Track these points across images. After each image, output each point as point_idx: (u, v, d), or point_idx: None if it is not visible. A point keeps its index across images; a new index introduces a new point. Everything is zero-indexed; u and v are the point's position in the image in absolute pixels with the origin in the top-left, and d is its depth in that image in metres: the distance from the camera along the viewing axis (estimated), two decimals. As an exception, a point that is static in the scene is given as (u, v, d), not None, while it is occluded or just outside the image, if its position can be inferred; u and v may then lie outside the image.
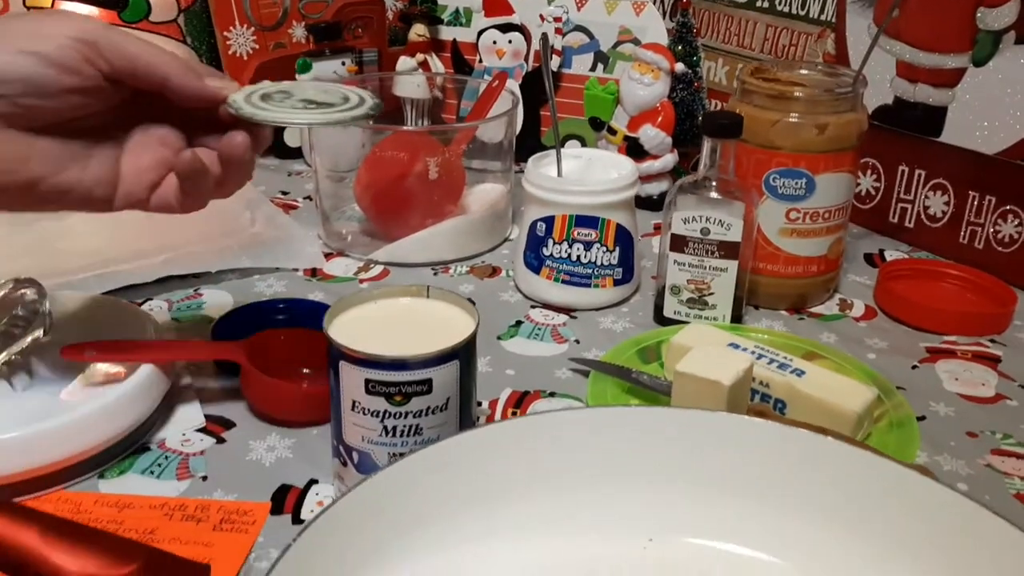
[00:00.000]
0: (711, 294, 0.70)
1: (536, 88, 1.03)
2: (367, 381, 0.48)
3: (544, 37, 1.00)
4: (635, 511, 0.48)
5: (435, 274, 0.82)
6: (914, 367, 0.68)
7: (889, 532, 0.44)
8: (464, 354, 0.49)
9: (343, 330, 0.50)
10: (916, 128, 0.85)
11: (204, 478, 0.55)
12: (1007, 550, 0.40)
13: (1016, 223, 0.78)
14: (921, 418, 0.61)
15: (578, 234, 0.73)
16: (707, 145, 0.67)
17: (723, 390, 0.53)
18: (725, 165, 0.68)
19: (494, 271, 0.82)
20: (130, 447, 0.56)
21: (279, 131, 1.05)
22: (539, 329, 0.72)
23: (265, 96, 0.52)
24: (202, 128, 0.53)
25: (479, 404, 0.63)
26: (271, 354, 0.60)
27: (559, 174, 0.75)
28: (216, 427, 0.59)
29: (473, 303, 0.52)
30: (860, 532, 0.45)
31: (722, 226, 0.67)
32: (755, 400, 0.60)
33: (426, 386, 0.48)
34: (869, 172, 0.89)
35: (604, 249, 0.73)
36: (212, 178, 0.52)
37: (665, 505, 0.48)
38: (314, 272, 0.81)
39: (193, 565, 0.37)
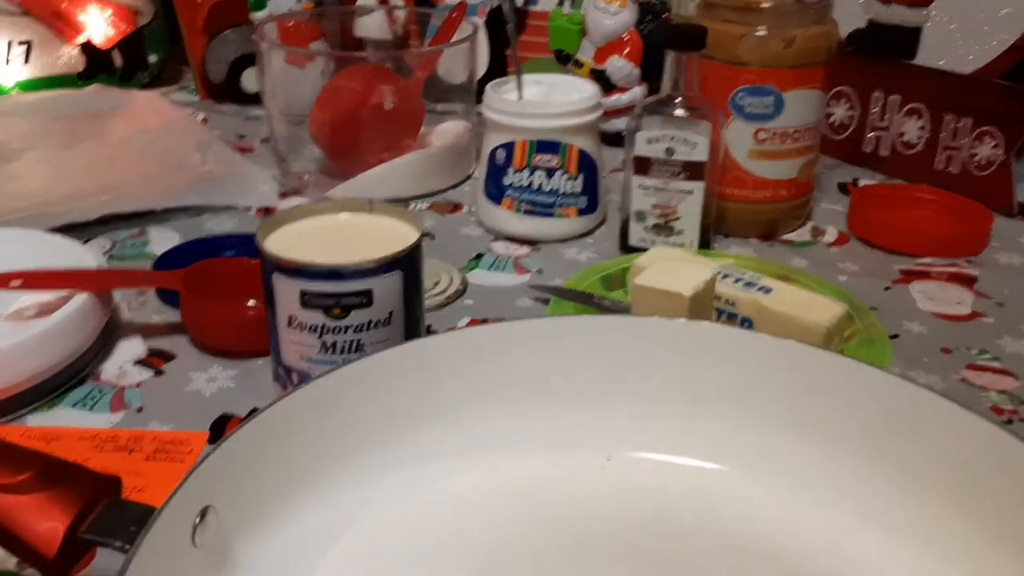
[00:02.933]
0: (677, 219, 0.67)
1: (501, 26, 0.99)
2: (302, 293, 0.45)
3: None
4: (592, 427, 0.46)
5: (394, 211, 0.78)
6: (887, 288, 0.65)
7: (860, 437, 0.42)
8: (407, 264, 0.46)
9: (279, 243, 0.47)
10: (891, 52, 0.82)
11: (139, 410, 0.52)
12: (971, 439, 0.38)
13: (993, 144, 0.75)
14: (894, 336, 0.59)
15: (539, 161, 0.70)
16: (670, 60, 0.64)
17: (683, 302, 0.50)
18: (690, 82, 0.65)
19: (456, 207, 0.79)
20: (63, 384, 0.53)
21: (237, 74, 1.02)
22: (500, 261, 0.70)
23: None
24: None
25: (435, 332, 0.60)
26: (213, 284, 0.57)
27: (519, 99, 0.72)
28: (155, 359, 0.56)
29: (420, 218, 0.49)
30: (828, 438, 0.42)
31: (687, 145, 0.65)
32: (721, 318, 0.57)
33: (366, 298, 0.45)
34: (843, 100, 0.86)
35: (567, 176, 0.70)
36: None
37: (624, 420, 0.46)
38: (267, 211, 0.77)
39: (98, 476, 0.34)
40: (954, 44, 0.78)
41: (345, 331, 0.46)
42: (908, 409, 0.40)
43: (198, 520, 0.34)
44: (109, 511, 0.34)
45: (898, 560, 0.39)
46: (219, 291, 0.57)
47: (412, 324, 0.48)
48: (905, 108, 0.81)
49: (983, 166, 0.76)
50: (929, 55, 0.80)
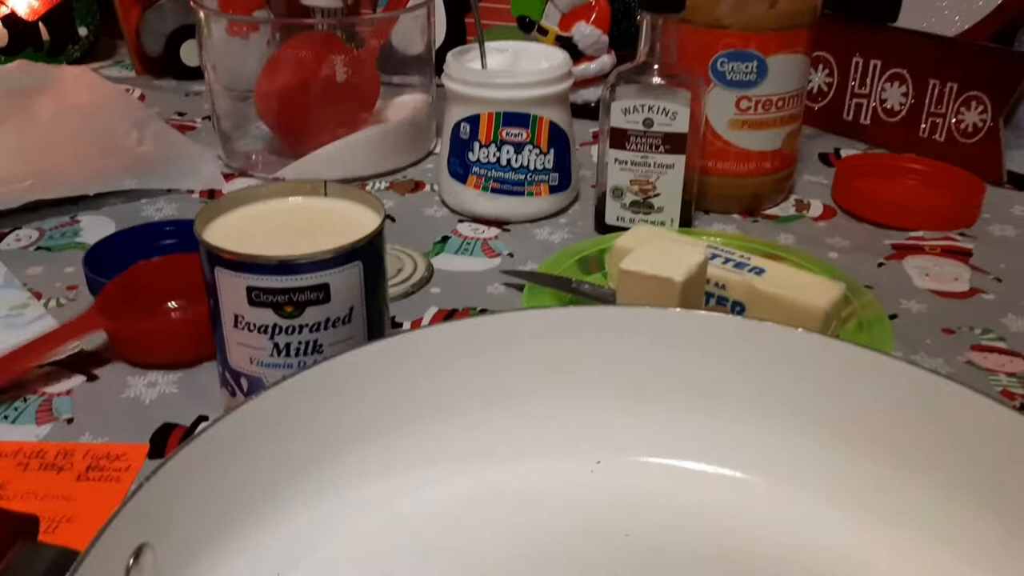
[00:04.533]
0: (657, 195, 0.63)
1: (459, -6, 0.94)
2: (250, 290, 0.39)
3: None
4: (580, 429, 0.41)
5: (350, 192, 0.73)
6: (880, 265, 0.62)
7: (872, 431, 0.38)
8: (368, 254, 0.41)
9: (221, 233, 0.42)
10: (871, 14, 0.78)
11: (69, 420, 0.46)
12: (995, 429, 0.34)
13: (980, 110, 0.72)
14: (893, 316, 0.55)
15: (507, 134, 0.64)
16: (646, 24, 0.60)
17: (675, 288, 0.46)
18: (667, 46, 0.60)
19: (417, 186, 0.74)
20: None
21: (175, 47, 0.95)
22: (468, 244, 0.65)
23: None
24: None
25: (399, 325, 0.55)
26: (134, 297, 0.51)
27: (483, 68, 0.66)
28: (87, 363, 0.50)
29: (381, 201, 0.44)
30: (841, 435, 0.38)
31: (667, 115, 0.60)
32: (710, 304, 0.53)
33: (322, 293, 0.40)
34: (821, 67, 0.82)
35: (537, 151, 0.65)
36: None
37: (614, 421, 0.41)
38: (211, 194, 0.71)
39: (8, 515, 0.29)
40: (938, 5, 0.74)
41: (300, 331, 0.40)
42: (937, 404, 0.36)
43: (131, 562, 0.29)
44: (23, 558, 0.29)
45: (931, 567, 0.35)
46: (142, 303, 0.52)
47: (375, 320, 0.43)
48: (887, 74, 0.77)
49: (969, 133, 0.73)
50: (912, 17, 0.76)
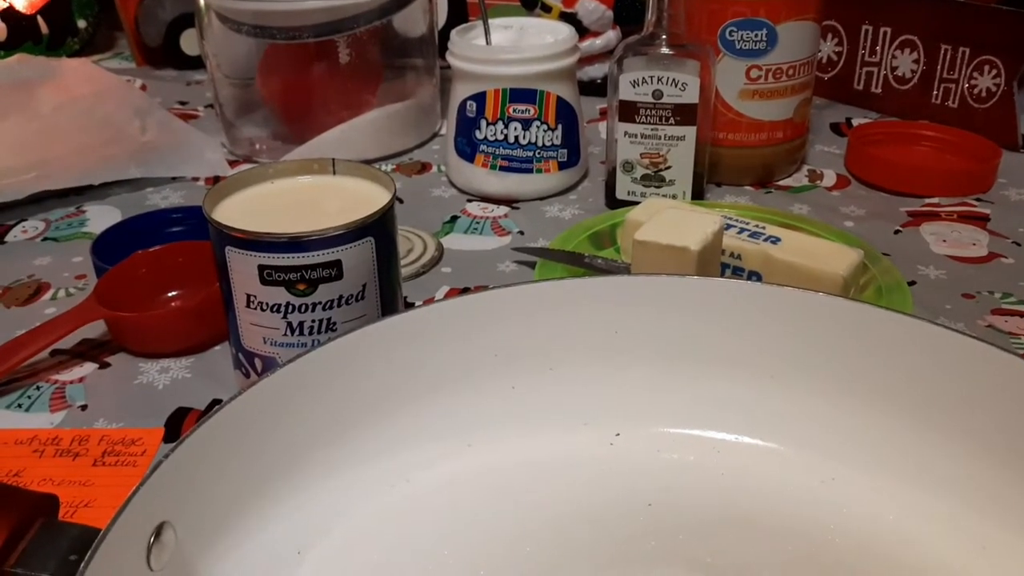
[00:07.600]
0: (668, 168, 0.62)
1: (460, -27, 0.93)
2: (261, 268, 0.39)
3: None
4: (598, 402, 0.41)
5: (357, 175, 0.72)
6: (897, 232, 0.61)
7: (896, 394, 0.37)
8: (380, 230, 0.40)
9: (231, 212, 0.41)
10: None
11: (83, 407, 0.46)
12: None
13: (994, 74, 0.71)
14: (911, 283, 0.54)
15: (514, 111, 0.64)
16: (653, -7, 0.59)
17: (691, 257, 0.45)
18: (675, 16, 0.59)
19: (424, 167, 0.73)
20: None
21: (175, 36, 0.94)
22: (477, 223, 0.64)
23: None
24: None
25: (411, 305, 0.54)
26: (133, 288, 0.51)
27: (488, 44, 0.66)
28: (99, 351, 0.50)
29: (390, 177, 0.43)
30: (862, 399, 0.38)
31: (676, 86, 0.59)
32: (726, 275, 0.52)
33: (334, 270, 0.39)
34: (830, 36, 0.81)
35: (545, 127, 0.64)
36: None
37: (632, 392, 0.41)
38: (216, 181, 0.71)
39: (28, 495, 0.29)
40: (947, -31, 0.73)
41: (312, 309, 0.40)
42: (964, 364, 0.35)
43: (153, 539, 0.29)
44: (44, 537, 0.29)
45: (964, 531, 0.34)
46: (140, 292, 0.51)
47: (388, 297, 0.42)
48: (897, 40, 0.76)
49: (983, 98, 0.72)
50: (921, -18, 0.75)
